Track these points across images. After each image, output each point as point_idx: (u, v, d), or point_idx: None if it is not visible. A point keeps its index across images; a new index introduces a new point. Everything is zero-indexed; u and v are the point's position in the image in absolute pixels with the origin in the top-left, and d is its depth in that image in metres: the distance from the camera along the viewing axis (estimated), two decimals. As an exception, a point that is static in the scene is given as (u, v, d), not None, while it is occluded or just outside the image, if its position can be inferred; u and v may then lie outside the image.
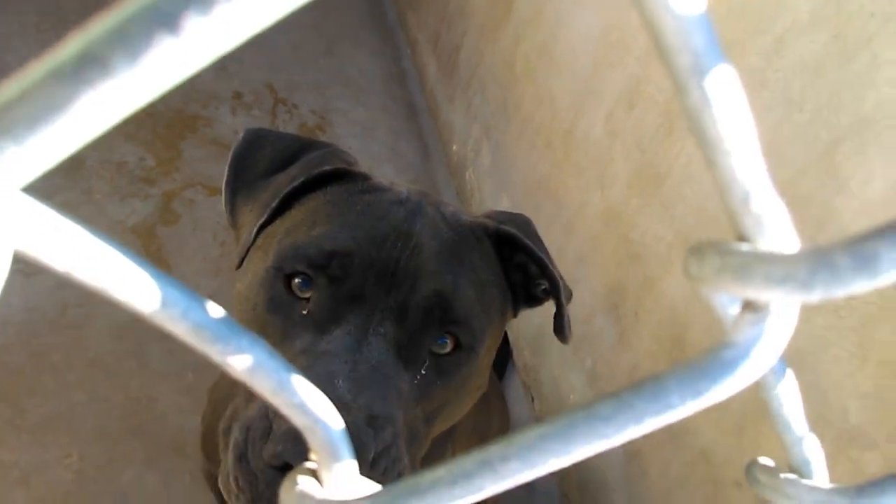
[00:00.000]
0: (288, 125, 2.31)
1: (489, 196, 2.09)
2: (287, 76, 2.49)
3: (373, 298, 0.67)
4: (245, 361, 0.18)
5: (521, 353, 1.86)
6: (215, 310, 0.17)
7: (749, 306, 0.15)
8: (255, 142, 0.83)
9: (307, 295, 0.68)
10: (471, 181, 2.23)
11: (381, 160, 2.38)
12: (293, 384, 0.19)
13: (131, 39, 0.09)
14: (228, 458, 0.62)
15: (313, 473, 0.21)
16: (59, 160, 0.11)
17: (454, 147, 2.38)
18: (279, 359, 0.19)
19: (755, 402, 1.09)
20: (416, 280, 0.68)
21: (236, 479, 0.61)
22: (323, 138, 2.32)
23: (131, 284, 0.15)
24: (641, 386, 0.15)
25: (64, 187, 1.78)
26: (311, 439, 0.20)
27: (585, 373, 1.57)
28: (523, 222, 0.87)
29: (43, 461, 1.32)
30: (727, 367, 0.15)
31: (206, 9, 0.09)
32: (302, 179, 0.74)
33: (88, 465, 1.34)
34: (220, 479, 0.64)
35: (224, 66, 2.38)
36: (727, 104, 0.14)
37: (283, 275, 0.69)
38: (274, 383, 0.19)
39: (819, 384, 0.98)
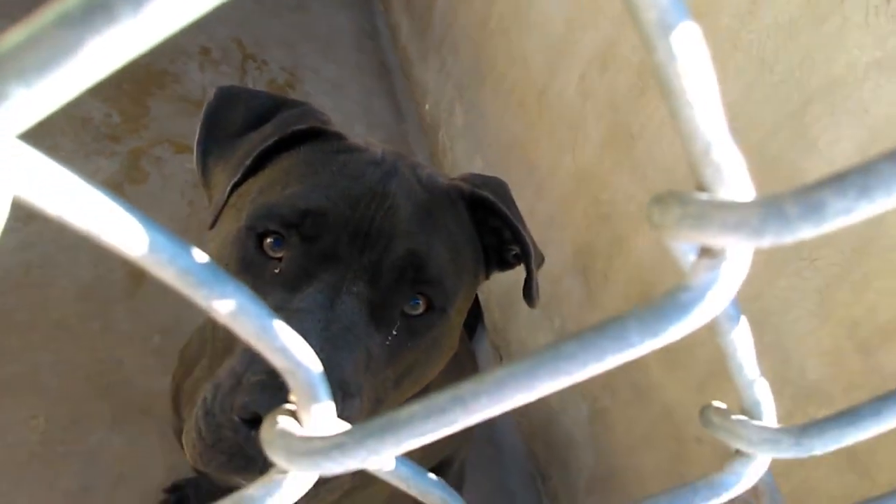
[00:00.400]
0: (258, 82, 2.28)
1: (462, 156, 2.09)
2: (256, 32, 2.45)
3: (346, 258, 0.67)
4: (229, 306, 0.18)
5: (491, 314, 1.89)
6: (201, 256, 0.18)
7: (706, 252, 0.16)
8: (227, 100, 0.81)
9: (279, 255, 0.68)
10: (444, 141, 2.23)
11: (354, 118, 2.36)
12: (275, 329, 0.20)
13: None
14: (195, 414, 0.62)
15: (292, 415, 0.22)
16: (60, 104, 0.11)
17: (427, 106, 2.37)
18: (262, 304, 0.19)
19: (717, 362, 1.12)
20: (389, 240, 0.68)
21: (199, 431, 0.61)
22: (293, 95, 2.29)
23: (122, 230, 0.15)
24: (603, 325, 0.16)
25: (27, 142, 1.75)
26: (292, 382, 0.21)
27: (554, 332, 1.60)
28: (498, 185, 0.88)
29: (7, 422, 1.31)
30: (684, 308, 0.16)
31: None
32: (276, 138, 0.73)
33: (54, 426, 1.34)
34: (183, 436, 0.64)
35: (192, 21, 2.33)
36: (691, 58, 0.14)
37: (254, 234, 0.68)
38: (257, 328, 0.19)
39: (781, 343, 1.02)
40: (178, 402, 1.00)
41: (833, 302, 0.96)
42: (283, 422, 0.22)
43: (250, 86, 2.25)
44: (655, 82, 1.29)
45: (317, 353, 0.61)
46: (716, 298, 0.16)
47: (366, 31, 2.77)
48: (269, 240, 0.68)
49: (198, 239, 1.75)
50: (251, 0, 2.55)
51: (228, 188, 0.73)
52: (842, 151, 0.97)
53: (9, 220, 1.54)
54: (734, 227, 0.14)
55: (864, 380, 0.93)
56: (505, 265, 0.87)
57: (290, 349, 0.20)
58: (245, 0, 2.53)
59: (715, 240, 0.15)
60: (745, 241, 0.15)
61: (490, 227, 0.83)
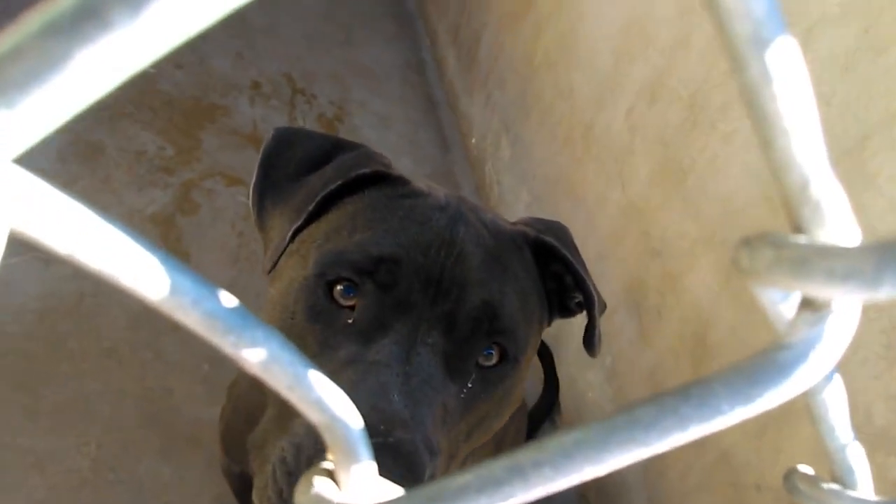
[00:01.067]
0: (307, 115, 2.31)
1: (508, 190, 2.08)
2: (304, 66, 2.48)
3: (419, 307, 0.64)
4: (259, 354, 0.17)
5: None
6: (228, 299, 0.16)
7: (807, 304, 0.14)
8: (284, 142, 0.80)
9: (351, 303, 0.66)
10: (490, 175, 2.21)
11: (400, 152, 2.36)
12: (310, 379, 0.18)
13: (132, -10, 0.08)
14: (272, 471, 0.60)
15: (330, 474, 0.20)
16: (54, 127, 0.10)
17: (473, 140, 2.36)
18: (295, 352, 0.18)
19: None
20: (462, 289, 0.66)
21: (279, 493, 0.58)
22: (341, 129, 2.31)
23: (138, 270, 0.14)
24: (687, 390, 0.14)
25: (81, 175, 1.79)
26: (329, 438, 0.19)
27: (604, 370, 1.55)
28: (560, 230, 0.86)
29: (59, 448, 1.32)
30: (782, 370, 0.13)
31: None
32: (339, 182, 0.72)
33: (104, 453, 1.35)
34: (255, 494, 0.62)
35: (241, 55, 2.38)
36: (789, 78, 0.12)
37: (324, 282, 0.66)
38: (290, 377, 0.17)
39: (846, 387, 0.96)
40: (227, 442, 0.99)
41: (901, 344, 0.91)
42: (320, 484, 0.20)
43: (299, 120, 2.28)
44: (707, 115, 1.26)
45: (400, 409, 0.59)
46: (821, 359, 0.13)
47: (412, 66, 2.79)
48: (339, 287, 0.66)
49: (247, 270, 1.77)
50: (301, 35, 2.60)
51: (290, 233, 0.71)
52: (905, 188, 0.92)
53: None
54: (844, 277, 0.12)
55: (936, 428, 0.87)
56: (566, 312, 0.84)
57: (327, 402, 0.18)
58: (295, 35, 2.58)
59: (820, 290, 0.13)
60: (856, 292, 0.12)
61: (552, 273, 0.80)
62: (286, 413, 0.65)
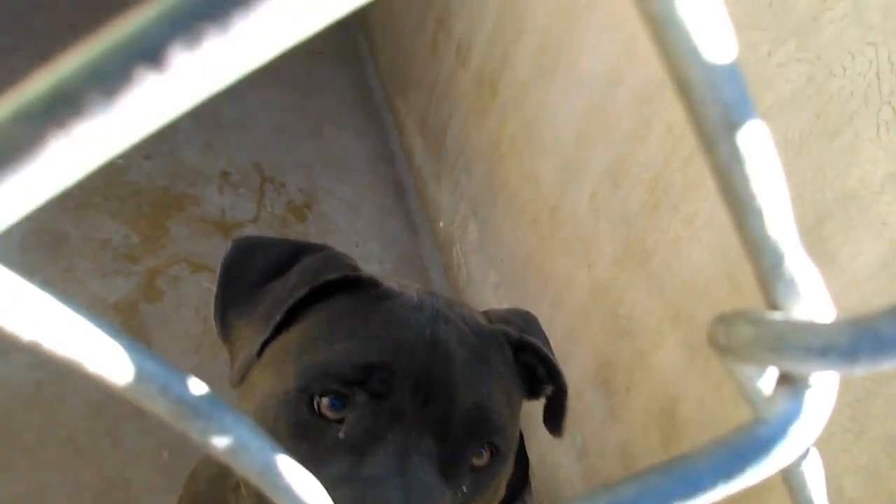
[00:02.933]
0: (276, 203, 2.32)
1: (476, 271, 2.09)
2: (274, 156, 2.51)
3: (410, 413, 0.62)
4: (228, 440, 0.16)
5: (510, 433, 1.82)
6: (196, 385, 0.15)
7: (785, 380, 0.14)
8: (244, 250, 0.78)
9: (340, 416, 0.62)
10: (458, 257, 2.23)
11: (368, 237, 2.38)
12: (279, 465, 0.17)
13: (108, 76, 0.08)
14: None
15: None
16: (22, 214, 0.09)
17: (441, 224, 2.39)
18: (265, 438, 0.17)
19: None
20: (452, 391, 0.64)
21: None
22: (310, 216, 2.32)
23: (104, 357, 0.13)
24: (668, 466, 0.13)
25: (44, 264, 1.76)
26: (300, 529, 0.18)
27: (575, 448, 1.53)
28: (530, 320, 0.86)
29: (12, 547, 1.26)
30: (763, 446, 0.13)
31: (195, 43, 0.08)
32: (307, 290, 0.69)
33: (59, 551, 1.28)
34: None
35: (210, 145, 2.40)
36: (759, 160, 0.13)
37: (307, 396, 0.62)
38: (259, 464, 0.17)
39: (817, 464, 0.96)
40: None
41: (866, 416, 0.92)
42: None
43: (268, 207, 2.29)
44: (669, 198, 1.29)
45: None
46: (800, 434, 0.13)
47: (380, 154, 2.84)
48: (325, 400, 0.62)
49: (210, 356, 1.73)
50: (271, 127, 2.64)
51: (258, 346, 0.68)
52: (864, 265, 0.95)
53: (20, 340, 1.53)
54: (821, 352, 0.12)
55: (909, 503, 0.87)
56: (533, 396, 0.84)
57: (296, 489, 0.18)
58: (265, 127, 2.62)
59: (798, 366, 0.13)
60: (834, 367, 0.12)
61: (522, 362, 0.80)
62: None
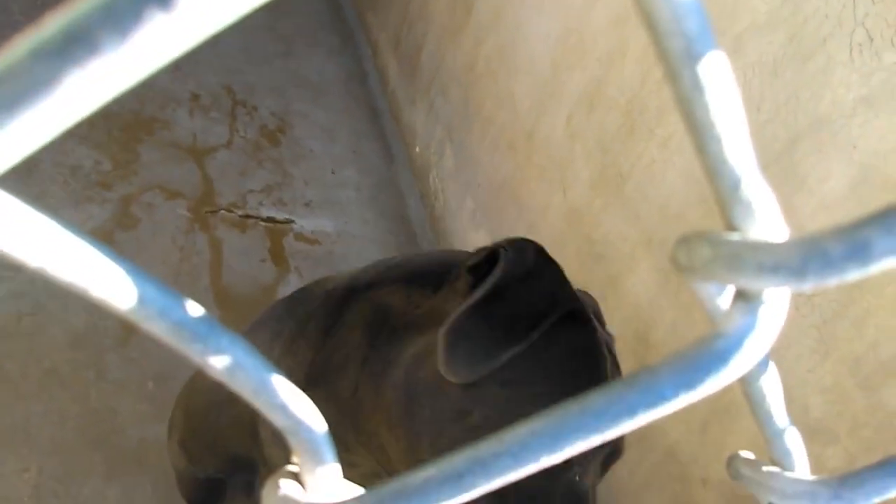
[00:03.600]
0: (248, 127, 2.28)
1: (453, 198, 2.09)
2: (245, 78, 2.46)
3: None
4: (225, 361, 0.17)
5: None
6: (194, 308, 0.16)
7: (740, 296, 0.15)
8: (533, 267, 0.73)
9: None
10: (434, 183, 2.23)
11: (344, 162, 2.36)
12: (274, 384, 0.18)
13: (121, 15, 0.09)
14: None
15: (295, 476, 0.21)
16: (40, 145, 0.10)
17: (417, 149, 2.38)
18: (260, 358, 0.18)
19: (719, 399, 1.10)
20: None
21: None
22: (284, 140, 2.30)
23: (107, 282, 0.14)
24: (633, 378, 0.15)
25: (16, 191, 1.72)
26: (294, 442, 0.19)
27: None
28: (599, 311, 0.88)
29: (-2, 474, 1.28)
30: (720, 357, 0.14)
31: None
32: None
33: (46, 478, 1.30)
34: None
35: (179, 67, 2.34)
36: (719, 90, 0.13)
37: None
38: (255, 383, 0.18)
39: (782, 381, 1.00)
40: (190, 448, 0.97)
41: (833, 338, 0.95)
42: (286, 486, 0.20)
43: (240, 131, 2.25)
44: (644, 122, 1.29)
45: None
46: (754, 346, 0.15)
47: (354, 76, 2.79)
48: None
49: (189, 283, 1.74)
50: (241, 48, 2.57)
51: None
52: (833, 188, 0.97)
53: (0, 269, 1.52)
54: (772, 270, 0.13)
55: (868, 417, 0.91)
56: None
57: (291, 406, 0.19)
58: (235, 48, 2.55)
59: (752, 283, 0.14)
60: (785, 283, 0.13)
61: None
62: None
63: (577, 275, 1.49)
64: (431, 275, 0.77)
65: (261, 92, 2.44)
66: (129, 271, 0.15)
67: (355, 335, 0.78)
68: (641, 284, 1.29)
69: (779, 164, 1.03)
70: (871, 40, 0.92)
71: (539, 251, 0.73)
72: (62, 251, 0.13)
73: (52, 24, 0.09)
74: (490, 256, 0.70)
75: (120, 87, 0.10)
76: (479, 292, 0.67)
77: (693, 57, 0.13)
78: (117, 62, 0.09)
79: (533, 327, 0.66)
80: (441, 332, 0.66)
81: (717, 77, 0.13)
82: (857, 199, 0.93)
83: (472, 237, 1.94)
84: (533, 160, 1.68)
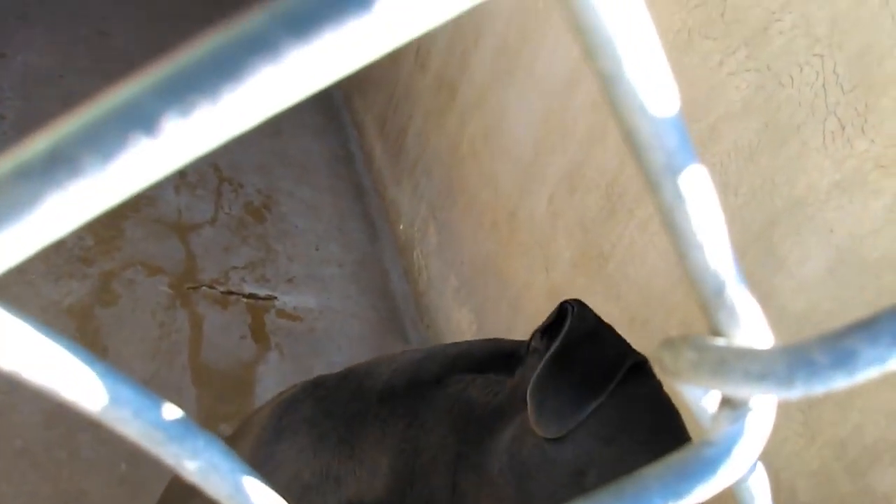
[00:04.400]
0: (233, 204, 2.30)
1: (437, 275, 2.10)
2: (232, 157, 2.49)
3: None
4: (199, 463, 0.17)
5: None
6: (170, 409, 0.16)
7: (727, 402, 0.15)
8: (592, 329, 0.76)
9: None
10: (418, 260, 2.23)
11: (328, 239, 2.37)
12: (248, 489, 0.18)
13: (104, 138, 0.09)
14: None
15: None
16: (16, 262, 0.10)
17: (401, 227, 2.39)
18: (236, 459, 0.18)
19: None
20: None
21: None
22: (269, 217, 2.31)
23: (78, 383, 0.14)
24: (620, 487, 0.14)
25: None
26: (268, 547, 0.19)
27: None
28: None
29: (-40, 561, 1.22)
30: (709, 466, 0.14)
31: (187, 112, 0.09)
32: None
33: (10, 564, 1.25)
34: None
35: (169, 146, 2.36)
36: (699, 200, 0.14)
37: None
38: (230, 486, 0.17)
39: (770, 464, 0.99)
40: None
41: (818, 422, 0.95)
42: None
43: (225, 207, 2.26)
44: (624, 203, 1.31)
45: None
46: (743, 454, 0.14)
47: (340, 156, 2.83)
48: None
49: (167, 362, 1.71)
50: (228, 125, 2.61)
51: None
52: (812, 270, 0.98)
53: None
54: (760, 378, 0.13)
55: (855, 501, 0.90)
56: None
57: (266, 509, 0.18)
58: (222, 125, 2.59)
59: (739, 390, 0.14)
60: (772, 392, 0.13)
61: None
62: None
63: (561, 354, 1.48)
64: (499, 360, 0.80)
65: (247, 170, 2.47)
66: (101, 372, 0.14)
67: (437, 435, 0.79)
68: (625, 365, 1.28)
69: (758, 244, 1.05)
70: (843, 128, 0.95)
71: (591, 309, 0.76)
72: (32, 353, 0.13)
73: (35, 145, 0.09)
74: (557, 316, 0.74)
75: (101, 207, 0.10)
76: (554, 347, 0.70)
77: (674, 170, 0.13)
78: (99, 184, 0.09)
79: (608, 378, 0.69)
80: (528, 391, 0.69)
81: (697, 188, 0.14)
82: (835, 281, 0.95)
83: (456, 314, 1.93)
84: (516, 239, 1.69)
